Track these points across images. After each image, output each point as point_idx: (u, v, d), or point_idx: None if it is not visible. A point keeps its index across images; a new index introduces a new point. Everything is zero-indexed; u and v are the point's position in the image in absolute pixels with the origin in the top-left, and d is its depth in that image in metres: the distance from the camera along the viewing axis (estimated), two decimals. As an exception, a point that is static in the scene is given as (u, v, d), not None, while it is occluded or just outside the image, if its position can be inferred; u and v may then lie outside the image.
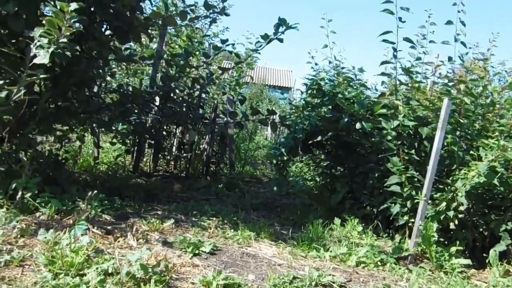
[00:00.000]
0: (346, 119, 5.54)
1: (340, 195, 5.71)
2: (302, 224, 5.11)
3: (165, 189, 6.13)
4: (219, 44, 6.39)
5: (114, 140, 6.67)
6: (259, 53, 6.06)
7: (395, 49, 5.15)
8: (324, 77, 6.19)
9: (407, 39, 5.03)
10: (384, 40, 5.10)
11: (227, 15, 5.76)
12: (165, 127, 7.20)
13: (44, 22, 3.59)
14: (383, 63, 5.36)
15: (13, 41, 4.14)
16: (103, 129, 6.19)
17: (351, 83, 6.04)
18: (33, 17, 4.00)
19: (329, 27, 6.04)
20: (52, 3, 3.73)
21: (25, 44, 3.80)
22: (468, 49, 5.17)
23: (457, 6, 4.96)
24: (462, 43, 5.09)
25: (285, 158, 6.19)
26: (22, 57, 3.74)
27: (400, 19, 4.90)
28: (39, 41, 3.58)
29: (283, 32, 5.56)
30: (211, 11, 5.65)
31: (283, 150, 6.12)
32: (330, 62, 6.39)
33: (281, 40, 5.60)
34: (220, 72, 6.82)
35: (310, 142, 6.08)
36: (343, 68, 6.28)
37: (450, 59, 5.22)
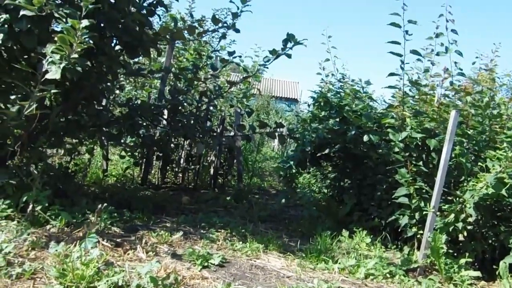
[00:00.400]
0: (353, 132, 5.56)
1: (348, 207, 5.71)
2: (310, 236, 5.11)
3: (174, 201, 6.17)
4: (226, 57, 6.46)
5: (123, 153, 6.73)
6: (267, 67, 6.11)
7: (402, 62, 5.17)
8: (331, 89, 6.24)
9: (414, 52, 5.05)
10: (391, 52, 5.12)
11: (237, 31, 5.82)
12: (173, 140, 7.25)
13: (56, 38, 3.66)
14: (390, 75, 5.37)
15: (25, 57, 4.22)
16: (111, 142, 6.26)
17: (357, 96, 6.07)
18: (45, 34, 4.08)
19: (330, 41, 6.14)
20: (63, 20, 3.81)
21: (36, 59, 3.88)
22: (462, 57, 5.16)
23: (445, 15, 4.95)
24: (457, 51, 5.06)
25: (294, 170, 6.21)
26: (34, 72, 3.81)
27: (407, 32, 4.93)
28: (51, 57, 3.66)
29: (291, 48, 5.61)
30: (219, 25, 5.72)
31: (291, 163, 6.14)
32: (333, 75, 6.46)
33: (289, 56, 5.64)
34: (228, 85, 6.87)
35: (319, 154, 6.10)
36: (353, 80, 6.33)
37: (446, 70, 5.22)
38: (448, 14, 4.91)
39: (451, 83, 5.29)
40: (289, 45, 5.59)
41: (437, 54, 5.08)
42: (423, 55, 5.12)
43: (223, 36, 6.07)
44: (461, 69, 5.21)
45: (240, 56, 6.57)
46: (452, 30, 4.97)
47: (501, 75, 6.89)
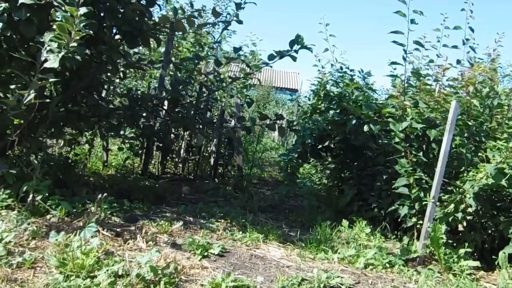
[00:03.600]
0: (353, 122, 5.55)
1: (348, 197, 5.72)
2: (310, 226, 5.13)
3: (174, 191, 6.17)
4: (228, 48, 6.42)
5: (123, 146, 6.73)
6: (271, 66, 5.95)
7: (405, 51, 5.14)
8: (331, 79, 6.21)
9: (417, 43, 5.02)
10: (395, 42, 5.09)
11: (240, 22, 5.74)
12: (173, 130, 7.25)
13: (54, 26, 3.64)
14: (392, 63, 5.34)
15: (25, 46, 4.20)
16: (111, 133, 6.25)
17: (357, 86, 6.04)
18: (45, 23, 4.05)
19: (327, 30, 6.05)
20: (62, 8, 3.78)
21: (36, 49, 3.85)
22: (476, 53, 5.16)
23: (466, 12, 4.97)
24: (471, 47, 5.09)
25: (294, 162, 6.21)
26: (33, 61, 3.79)
27: (412, 21, 4.89)
28: (49, 45, 3.63)
29: (296, 51, 5.45)
30: (220, 18, 5.66)
31: (293, 155, 6.14)
32: (332, 65, 6.41)
33: (294, 58, 5.50)
34: (230, 79, 6.83)
35: (319, 146, 6.10)
36: (352, 70, 6.29)
37: (458, 62, 5.21)
38: (469, 11, 4.93)
39: (462, 74, 5.27)
40: (295, 47, 5.43)
41: (455, 47, 5.05)
42: (429, 46, 5.09)
43: (226, 27, 6.00)
44: (472, 64, 5.21)
45: (243, 51, 6.50)
46: (469, 28, 5.00)
47: (505, 65, 6.85)
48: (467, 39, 5.06)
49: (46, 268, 2.97)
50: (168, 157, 7.74)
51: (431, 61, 5.25)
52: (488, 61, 5.41)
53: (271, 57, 5.68)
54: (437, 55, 5.16)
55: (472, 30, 5.05)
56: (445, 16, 4.99)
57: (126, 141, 6.47)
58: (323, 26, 6.03)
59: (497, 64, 5.46)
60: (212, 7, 5.80)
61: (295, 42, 5.45)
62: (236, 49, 6.15)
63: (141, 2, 4.97)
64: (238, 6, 5.64)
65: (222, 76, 7.20)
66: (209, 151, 7.93)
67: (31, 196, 3.98)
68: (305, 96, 8.32)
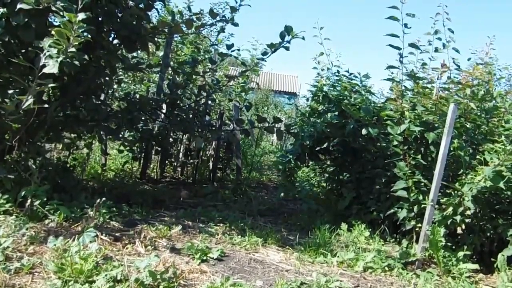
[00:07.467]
0: (352, 125, 5.55)
1: (346, 200, 5.71)
2: (309, 230, 5.12)
3: (172, 195, 6.17)
4: (225, 51, 6.42)
5: (122, 148, 6.72)
6: (265, 61, 6.07)
7: (400, 55, 5.15)
8: (328, 83, 6.22)
9: (412, 45, 5.04)
10: (390, 45, 5.11)
11: (235, 25, 5.79)
12: (172, 134, 7.25)
13: (53, 32, 3.64)
14: (389, 67, 5.36)
15: (23, 51, 4.20)
16: (110, 137, 6.24)
17: (355, 89, 6.05)
18: (43, 28, 4.05)
19: (321, 34, 6.07)
20: (60, 13, 3.79)
21: (34, 54, 3.86)
22: (459, 54, 5.14)
23: (442, 15, 4.94)
24: (455, 49, 5.07)
25: (293, 164, 6.21)
26: (32, 66, 3.79)
27: (406, 25, 4.90)
28: (48, 51, 3.64)
29: (289, 41, 5.58)
30: (217, 18, 5.70)
31: (290, 157, 6.14)
32: (328, 69, 6.42)
33: (287, 48, 5.63)
34: (226, 79, 6.85)
35: (317, 148, 6.10)
36: (351, 74, 6.29)
37: (444, 65, 5.21)
38: (444, 13, 4.91)
39: (449, 77, 5.29)
40: (287, 38, 5.57)
41: (436, 50, 5.06)
42: (422, 49, 5.10)
43: (222, 30, 6.03)
44: (458, 65, 5.22)
45: (238, 50, 6.54)
46: (449, 29, 4.98)
47: (500, 68, 6.87)
48: (448, 41, 5.02)
49: (45, 273, 2.96)
50: (166, 161, 7.74)
51: (424, 64, 5.26)
52: (480, 64, 5.42)
53: (264, 53, 5.88)
54: (430, 58, 5.17)
55: (452, 32, 5.00)
56: (435, 19, 4.98)
57: (126, 143, 6.46)
58: (317, 30, 6.05)
59: (489, 66, 5.48)
60: (209, 10, 5.78)
61: (286, 33, 5.59)
62: (229, 46, 6.17)
63: (139, 6, 4.98)
64: (233, 9, 5.69)
65: (217, 76, 7.21)
66: (208, 155, 7.93)
67: (29, 201, 3.97)
68: (304, 96, 8.30)
